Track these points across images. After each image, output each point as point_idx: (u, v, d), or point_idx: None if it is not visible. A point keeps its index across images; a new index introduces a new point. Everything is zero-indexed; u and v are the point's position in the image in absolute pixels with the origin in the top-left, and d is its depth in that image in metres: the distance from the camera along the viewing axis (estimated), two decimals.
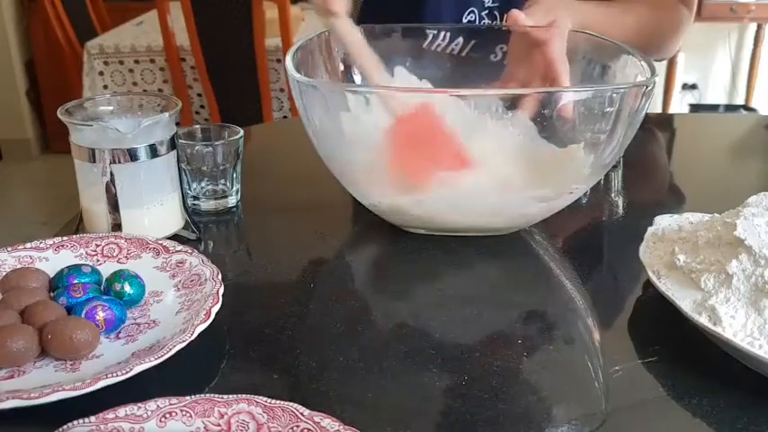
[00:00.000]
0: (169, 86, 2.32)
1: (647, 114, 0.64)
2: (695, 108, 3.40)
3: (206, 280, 0.57)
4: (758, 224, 0.53)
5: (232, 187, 0.76)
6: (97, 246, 0.63)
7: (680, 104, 3.42)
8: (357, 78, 0.78)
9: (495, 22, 0.94)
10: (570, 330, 0.57)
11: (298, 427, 0.42)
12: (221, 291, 0.55)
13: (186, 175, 0.73)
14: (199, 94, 2.33)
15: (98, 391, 0.45)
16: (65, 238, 0.63)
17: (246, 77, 2.22)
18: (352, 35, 0.72)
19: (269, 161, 0.94)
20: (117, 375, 0.45)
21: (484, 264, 0.67)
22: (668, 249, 0.58)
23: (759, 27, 3.32)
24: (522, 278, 0.65)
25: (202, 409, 0.43)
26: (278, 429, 0.42)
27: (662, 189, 0.90)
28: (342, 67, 0.79)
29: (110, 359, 0.50)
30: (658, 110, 3.20)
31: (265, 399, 0.43)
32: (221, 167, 0.74)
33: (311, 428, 0.41)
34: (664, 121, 1.28)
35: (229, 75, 2.23)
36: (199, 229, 0.71)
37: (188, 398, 0.43)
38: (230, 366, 0.52)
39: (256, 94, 2.24)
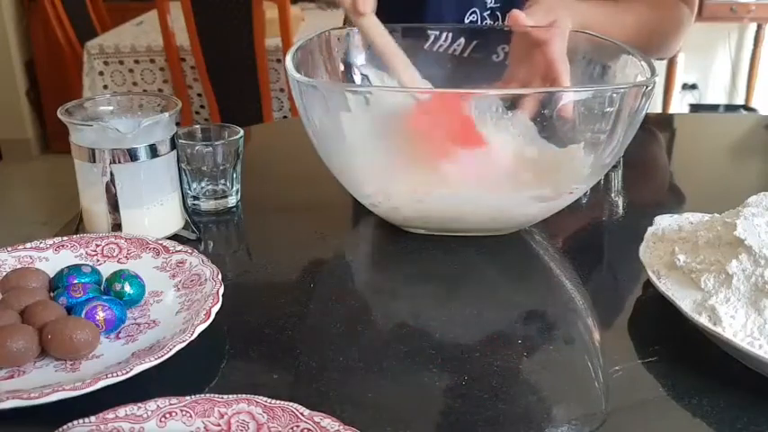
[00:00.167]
0: (169, 86, 2.32)
1: (647, 114, 0.64)
2: (695, 108, 3.40)
3: (206, 280, 0.57)
4: (758, 224, 0.53)
5: (232, 187, 0.76)
6: (97, 246, 0.63)
7: (680, 104, 3.43)
8: (357, 78, 0.78)
9: (496, 23, 0.94)
10: (570, 330, 0.57)
11: (298, 427, 0.42)
12: (221, 291, 0.55)
13: (186, 175, 0.73)
14: (199, 94, 2.33)
15: (98, 391, 0.45)
16: (65, 238, 0.63)
17: (246, 77, 2.22)
18: (381, 34, 0.72)
19: (269, 161, 0.94)
20: (117, 375, 0.45)
21: (484, 264, 0.67)
22: (668, 249, 0.58)
23: (759, 27, 3.32)
24: (522, 278, 0.65)
25: (202, 409, 0.43)
26: (278, 429, 0.42)
27: (662, 189, 0.90)
28: (342, 68, 0.79)
29: (110, 359, 0.50)
30: (658, 110, 3.20)
31: (265, 399, 0.43)
32: (221, 167, 0.74)
33: (311, 428, 0.41)
34: (664, 121, 1.28)
35: (229, 75, 2.23)
36: (199, 229, 0.71)
37: (188, 398, 0.43)
38: (230, 366, 0.52)
39: (256, 94, 2.24)
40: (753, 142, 1.07)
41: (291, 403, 0.43)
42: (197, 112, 2.37)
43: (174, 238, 0.67)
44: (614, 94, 0.60)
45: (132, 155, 0.63)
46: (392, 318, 0.59)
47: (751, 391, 0.48)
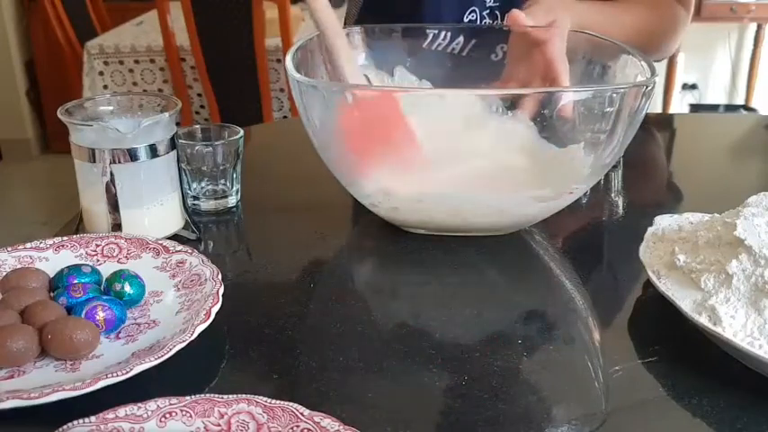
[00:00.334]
0: (169, 86, 2.32)
1: (647, 114, 0.64)
2: (695, 108, 3.40)
3: (206, 280, 0.57)
4: (758, 224, 0.53)
5: (232, 187, 0.76)
6: (97, 246, 0.63)
7: (680, 104, 3.43)
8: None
9: (495, 22, 0.94)
10: (570, 330, 0.57)
11: (298, 427, 0.42)
12: (221, 291, 0.55)
13: (186, 175, 0.73)
14: (199, 94, 2.33)
15: (98, 391, 0.45)
16: (65, 238, 0.63)
17: (246, 77, 2.22)
18: (327, 14, 0.71)
19: (269, 161, 0.94)
20: (117, 375, 0.45)
21: (484, 264, 0.67)
22: (668, 249, 0.58)
23: (759, 27, 3.32)
24: (522, 278, 0.65)
25: (202, 409, 0.43)
26: (278, 429, 0.42)
27: (662, 189, 0.90)
28: None
29: (110, 359, 0.50)
30: (658, 110, 3.20)
31: (265, 399, 0.43)
32: (221, 167, 0.74)
33: (311, 428, 0.41)
34: (664, 121, 1.28)
35: (229, 75, 2.23)
36: (199, 229, 0.71)
37: (188, 398, 0.43)
38: (230, 366, 0.52)
39: (256, 94, 2.24)
40: (753, 142, 1.07)
41: (291, 403, 0.43)
42: (197, 112, 2.37)
43: (174, 238, 0.67)
44: (614, 94, 0.60)
45: (132, 155, 0.63)
46: (392, 318, 0.59)
47: (751, 391, 0.48)
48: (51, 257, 0.62)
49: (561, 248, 0.71)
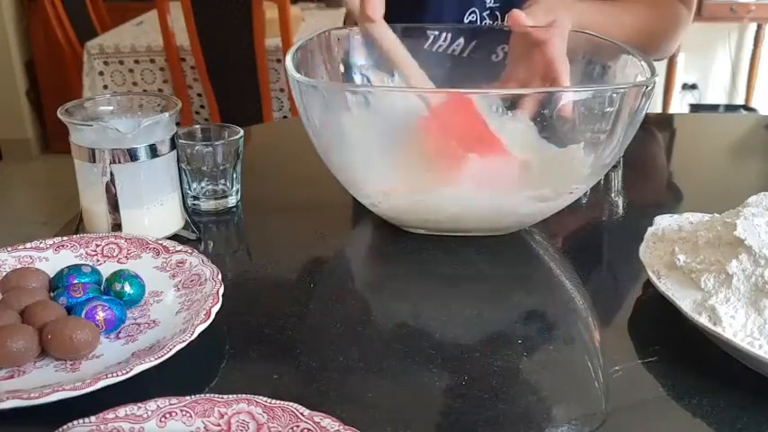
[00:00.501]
0: (169, 86, 2.32)
1: (647, 114, 0.64)
2: (695, 108, 3.40)
3: (206, 280, 0.57)
4: (758, 224, 0.53)
5: (232, 187, 0.76)
6: (97, 246, 0.63)
7: (680, 104, 3.43)
8: (357, 78, 0.78)
9: (495, 23, 0.94)
10: (570, 330, 0.57)
11: (298, 427, 0.42)
12: (221, 291, 0.55)
13: (186, 175, 0.73)
14: (199, 94, 2.33)
15: (98, 391, 0.45)
16: (65, 238, 0.63)
17: (246, 77, 2.22)
18: (390, 40, 0.72)
19: (269, 161, 0.94)
20: (117, 375, 0.45)
21: (484, 264, 0.67)
22: (668, 249, 0.58)
23: (759, 27, 3.32)
24: (522, 278, 0.65)
25: (202, 409, 0.43)
26: (278, 429, 0.42)
27: (662, 189, 0.90)
28: (342, 68, 0.79)
29: (110, 359, 0.50)
30: (658, 110, 3.20)
31: (265, 399, 0.43)
32: (221, 167, 0.74)
33: (311, 428, 0.41)
34: (664, 121, 1.28)
35: (229, 75, 2.23)
36: (199, 229, 0.71)
37: (188, 398, 0.43)
38: (230, 366, 0.52)
39: (256, 94, 2.24)
40: (753, 142, 1.07)
41: (291, 403, 0.43)
42: (197, 112, 2.37)
43: (174, 238, 0.67)
44: (614, 94, 0.60)
45: (132, 155, 0.63)
46: (392, 318, 0.59)
47: (751, 391, 0.48)
48: (51, 257, 0.62)
49: (561, 248, 0.71)
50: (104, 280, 0.57)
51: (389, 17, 0.76)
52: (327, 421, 0.42)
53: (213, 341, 0.53)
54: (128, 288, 0.56)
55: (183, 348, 0.48)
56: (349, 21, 1.04)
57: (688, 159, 0.99)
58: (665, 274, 0.55)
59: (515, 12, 0.72)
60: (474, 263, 0.66)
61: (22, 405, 0.44)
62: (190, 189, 0.74)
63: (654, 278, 0.55)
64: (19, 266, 0.60)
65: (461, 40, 0.83)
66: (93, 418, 0.42)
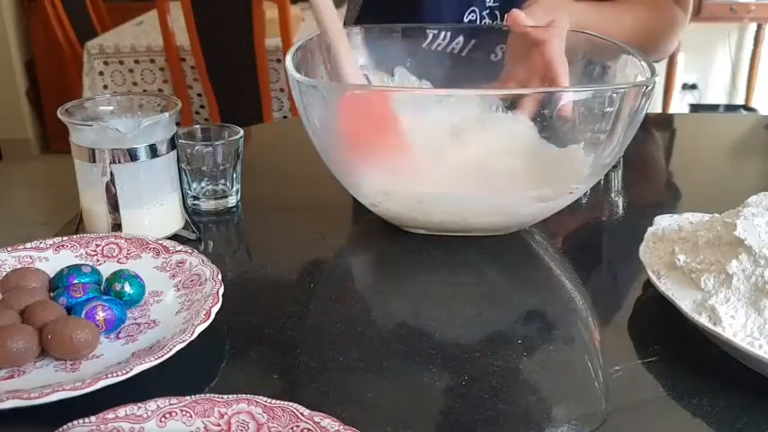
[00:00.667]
0: (169, 86, 2.32)
1: (647, 114, 0.64)
2: (695, 108, 3.40)
3: (206, 280, 0.57)
4: (758, 224, 0.53)
5: (232, 187, 0.76)
6: (97, 246, 0.63)
7: (680, 104, 3.43)
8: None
9: (494, 22, 0.94)
10: (570, 330, 0.57)
11: (298, 427, 0.42)
12: (221, 291, 0.55)
13: (186, 175, 0.73)
14: (199, 94, 2.33)
15: (98, 391, 0.45)
16: (65, 238, 0.63)
17: (246, 77, 2.22)
18: (329, 15, 0.71)
19: (269, 161, 0.94)
20: (117, 375, 0.45)
21: (484, 264, 0.67)
22: (668, 249, 0.58)
23: (759, 27, 3.32)
24: (522, 278, 0.65)
25: (202, 409, 0.43)
26: (278, 429, 0.42)
27: (662, 189, 0.90)
28: None
29: (110, 359, 0.50)
30: (658, 110, 3.20)
31: (265, 399, 0.43)
32: (221, 167, 0.74)
33: (311, 428, 0.41)
34: (664, 121, 1.28)
35: (229, 75, 2.23)
36: (199, 229, 0.71)
37: (188, 398, 0.43)
38: (230, 366, 0.52)
39: (256, 94, 2.24)
40: (753, 142, 1.07)
41: (291, 403, 0.43)
42: (197, 112, 2.37)
43: (174, 238, 0.67)
44: (614, 94, 0.60)
45: (132, 155, 0.63)
46: (392, 318, 0.59)
47: (751, 391, 0.48)
48: (51, 257, 0.62)
49: (561, 248, 0.71)
50: (104, 280, 0.57)
51: (389, 16, 0.76)
52: (327, 421, 0.42)
53: (213, 341, 0.53)
54: (128, 288, 0.56)
55: (183, 348, 0.48)
56: (349, 21, 1.04)
57: (688, 159, 0.99)
58: (665, 274, 0.55)
59: (515, 11, 0.72)
60: (474, 263, 0.66)
61: (22, 405, 0.44)
62: (190, 189, 0.74)
63: (654, 278, 0.55)
64: (19, 266, 0.60)
65: (460, 39, 0.83)
66: (93, 418, 0.42)
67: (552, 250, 0.71)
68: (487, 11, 0.94)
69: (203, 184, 0.74)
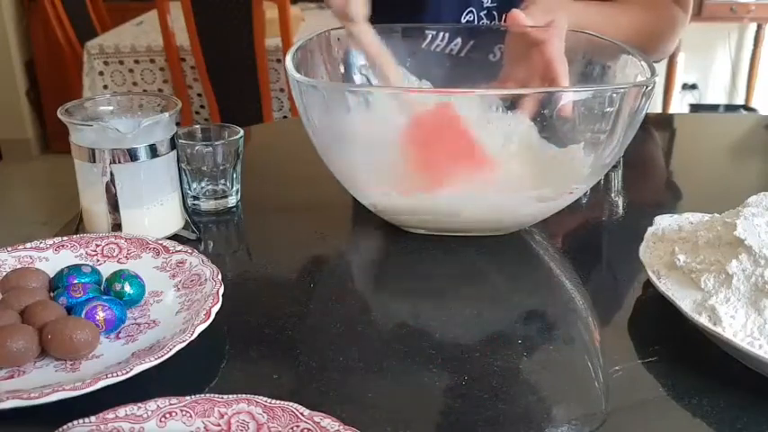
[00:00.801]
0: (169, 86, 2.32)
1: (647, 114, 0.64)
2: (695, 108, 3.40)
3: (206, 280, 0.57)
4: (758, 224, 0.53)
5: (232, 187, 0.76)
6: (97, 246, 0.63)
7: (680, 104, 3.43)
8: (357, 78, 0.78)
9: (493, 22, 0.94)
10: (570, 330, 0.57)
11: (298, 427, 0.42)
12: (221, 291, 0.55)
13: (186, 175, 0.73)
14: (199, 94, 2.33)
15: (98, 391, 0.45)
16: (65, 238, 0.63)
17: (246, 77, 2.22)
18: (371, 40, 0.72)
19: (269, 161, 0.94)
20: (117, 375, 0.45)
21: (484, 264, 0.67)
22: (668, 249, 0.58)
23: (759, 27, 3.32)
24: (522, 278, 0.65)
25: (202, 409, 0.43)
26: (278, 429, 0.42)
27: (662, 189, 0.90)
28: (342, 68, 0.79)
29: (110, 359, 0.50)
30: (658, 110, 3.20)
31: (265, 399, 0.43)
32: (221, 167, 0.74)
33: (311, 428, 0.41)
34: (664, 121, 1.28)
35: (229, 75, 2.23)
36: (199, 229, 0.71)
37: (188, 398, 0.43)
38: (230, 366, 0.52)
39: (256, 94, 2.24)
40: (753, 142, 1.07)
41: (291, 403, 0.43)
42: (197, 112, 2.37)
43: (174, 238, 0.67)
44: (614, 94, 0.60)
45: (132, 155, 0.63)
46: (392, 318, 0.59)
47: (751, 391, 0.48)
48: (51, 257, 0.62)
49: (561, 248, 0.71)
50: (104, 280, 0.57)
51: (388, 17, 0.76)
52: (327, 421, 0.42)
53: (213, 341, 0.53)
54: (128, 288, 0.56)
55: (183, 348, 0.48)
56: None
57: (688, 159, 0.99)
58: (665, 274, 0.55)
59: (515, 12, 0.72)
60: (474, 263, 0.66)
61: (22, 405, 0.44)
62: (190, 189, 0.74)
63: (654, 278, 0.55)
64: (19, 266, 0.60)
65: (459, 40, 0.83)
66: (93, 418, 0.42)
67: (552, 250, 0.71)
68: (485, 11, 0.94)
69: (203, 184, 0.74)
